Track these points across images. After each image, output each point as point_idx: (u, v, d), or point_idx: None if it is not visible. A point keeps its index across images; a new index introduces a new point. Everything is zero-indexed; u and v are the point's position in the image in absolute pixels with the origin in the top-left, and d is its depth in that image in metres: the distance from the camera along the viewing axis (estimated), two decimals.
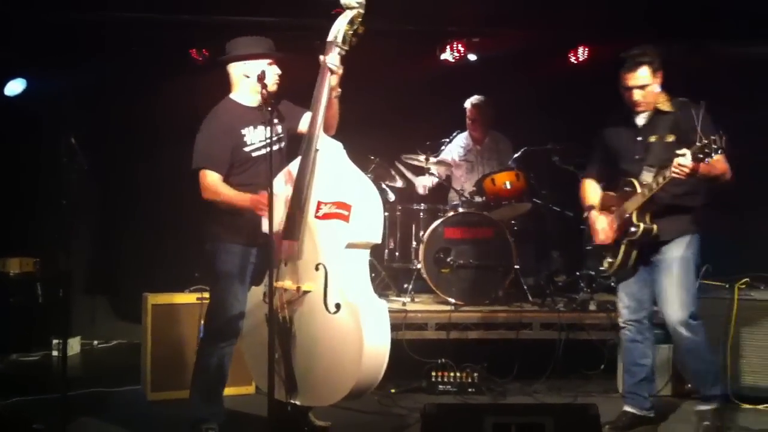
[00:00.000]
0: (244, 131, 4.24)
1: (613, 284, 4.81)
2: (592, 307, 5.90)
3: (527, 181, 6.23)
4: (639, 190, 4.36)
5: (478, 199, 6.27)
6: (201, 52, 6.80)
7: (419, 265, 5.98)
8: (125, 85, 6.76)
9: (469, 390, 5.31)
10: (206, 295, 5.19)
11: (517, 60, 7.16)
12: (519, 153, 6.46)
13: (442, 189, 6.86)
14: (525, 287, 6.00)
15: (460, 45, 7.14)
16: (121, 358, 6.51)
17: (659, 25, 6.38)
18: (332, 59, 4.12)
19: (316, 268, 4.05)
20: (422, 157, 6.33)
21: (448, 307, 5.77)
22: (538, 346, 5.64)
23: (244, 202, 4.12)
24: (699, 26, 6.44)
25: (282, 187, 4.17)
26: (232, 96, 4.33)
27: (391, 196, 6.53)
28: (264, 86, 4.02)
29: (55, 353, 6.37)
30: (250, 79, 4.23)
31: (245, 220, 4.16)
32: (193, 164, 4.21)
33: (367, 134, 6.67)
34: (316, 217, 4.10)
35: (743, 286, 5.22)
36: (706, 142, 3.97)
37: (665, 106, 4.41)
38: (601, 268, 4.65)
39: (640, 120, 4.47)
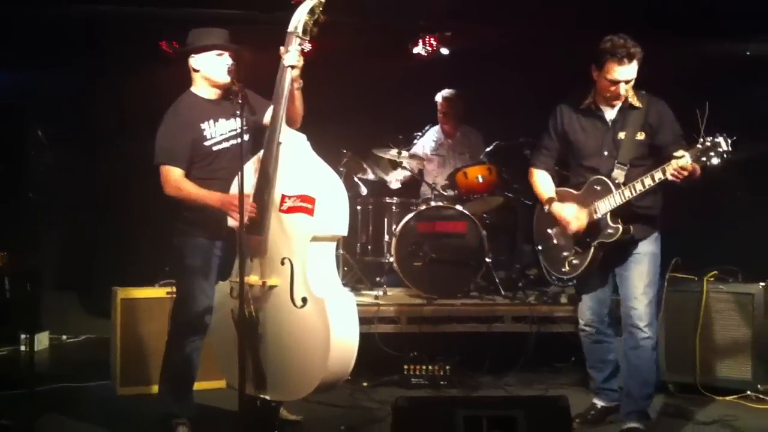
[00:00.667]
0: (203, 125, 4.21)
1: (571, 285, 4.68)
2: (564, 299, 5.94)
3: (499, 175, 6.25)
4: (615, 190, 4.17)
5: (450, 192, 6.29)
6: (171, 44, 6.73)
7: (391, 259, 5.97)
8: (94, 78, 6.66)
9: (442, 383, 5.33)
10: (175, 289, 5.17)
11: (490, 54, 7.18)
12: (491, 147, 6.48)
13: (414, 183, 6.86)
14: (497, 280, 6.02)
15: (432, 39, 7.15)
16: (90, 352, 6.44)
17: (631, 21, 6.42)
18: (292, 53, 4.07)
19: (282, 263, 4.03)
20: (394, 151, 6.33)
21: (420, 301, 5.78)
22: (509, 339, 5.67)
23: (214, 202, 4.10)
24: (669, 21, 6.48)
25: (246, 181, 4.13)
26: (192, 89, 4.30)
27: (364, 190, 6.52)
28: (232, 81, 3.97)
29: (23, 348, 6.29)
30: (200, 72, 4.22)
31: (208, 214, 4.13)
32: (154, 160, 4.18)
33: (340, 127, 6.66)
34: (281, 210, 4.07)
35: (712, 279, 5.27)
36: (709, 144, 3.83)
37: (634, 100, 4.24)
38: (564, 270, 4.45)
39: (609, 114, 4.29)
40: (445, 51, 7.21)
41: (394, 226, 6.15)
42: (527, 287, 6.18)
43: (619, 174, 4.21)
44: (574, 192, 4.43)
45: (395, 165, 6.53)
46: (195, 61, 4.22)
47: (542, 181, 4.58)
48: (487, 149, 6.51)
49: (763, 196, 6.27)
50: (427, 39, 7.16)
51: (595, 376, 4.66)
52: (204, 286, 4.21)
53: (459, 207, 6.04)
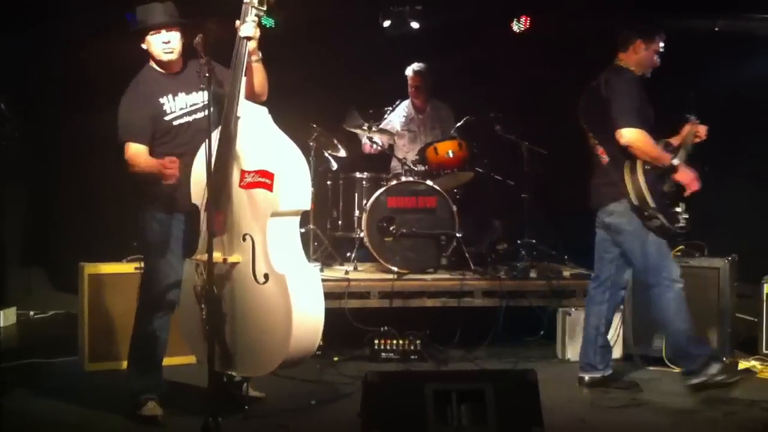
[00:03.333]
0: (162, 100, 4.16)
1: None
2: (533, 274, 5.98)
3: (469, 150, 6.25)
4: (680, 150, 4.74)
5: (420, 167, 6.27)
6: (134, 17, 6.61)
7: (362, 234, 5.96)
8: (56, 48, 6.53)
9: (412, 357, 5.35)
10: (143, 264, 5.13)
11: (460, 28, 7.15)
12: (461, 122, 6.48)
13: (384, 158, 6.84)
14: (467, 255, 6.04)
15: (402, 12, 7.08)
16: (57, 328, 6.38)
17: None
18: (248, 24, 4.01)
19: (243, 239, 4.01)
20: (365, 126, 6.30)
21: (391, 276, 5.78)
22: (479, 313, 5.70)
23: (154, 168, 4.05)
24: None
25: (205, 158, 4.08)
26: (150, 63, 4.25)
27: (334, 165, 6.49)
28: (200, 54, 3.90)
29: None
30: (148, 48, 4.17)
31: (165, 187, 4.08)
32: (118, 138, 4.14)
33: (309, 103, 6.61)
34: (240, 186, 4.03)
35: (678, 254, 5.32)
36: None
37: None
38: (678, 225, 4.62)
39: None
40: (415, 25, 7.16)
41: (364, 201, 6.13)
42: (497, 262, 6.21)
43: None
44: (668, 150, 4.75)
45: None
46: (145, 41, 4.17)
47: (653, 141, 4.65)
48: (458, 124, 6.51)
49: (727, 171, 6.33)
50: (397, 12, 7.08)
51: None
52: (170, 260, 4.19)
53: (429, 182, 6.03)
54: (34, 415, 4.30)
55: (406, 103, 6.94)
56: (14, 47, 6.40)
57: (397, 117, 6.89)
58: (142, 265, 4.70)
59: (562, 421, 4.14)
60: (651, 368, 5.26)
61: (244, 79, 4.07)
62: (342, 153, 6.46)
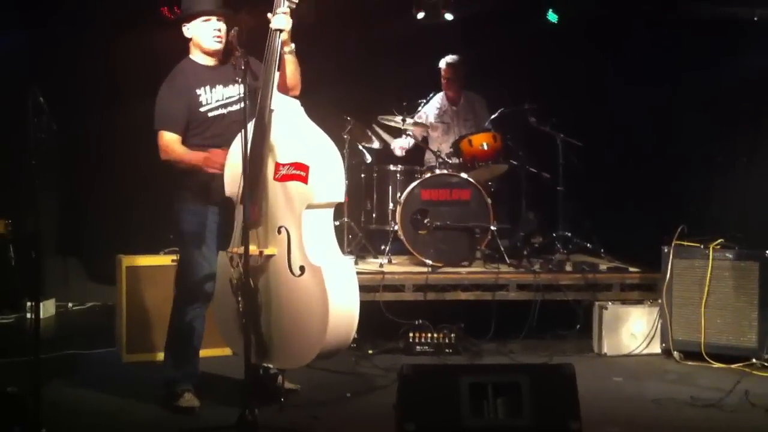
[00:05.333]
0: (199, 91, 4.19)
1: None
2: (568, 267, 5.93)
3: (504, 142, 6.21)
4: None
5: (454, 160, 6.24)
6: (172, 9, 6.65)
7: (396, 227, 5.95)
8: (93, 41, 6.59)
9: (446, 350, 5.33)
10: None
11: (494, 19, 7.10)
12: (496, 114, 6.44)
13: (418, 150, 6.82)
14: (501, 248, 6.00)
15: (436, 4, 7.03)
16: (95, 320, 6.46)
17: None
18: (280, 16, 4.01)
19: (279, 232, 4.02)
20: (398, 118, 6.28)
21: (425, 269, 5.77)
22: (514, 306, 5.66)
23: (198, 161, 4.08)
24: None
25: (239, 149, 4.09)
26: (190, 56, 4.29)
27: (368, 158, 6.48)
28: (234, 47, 3.92)
29: (29, 315, 6.31)
30: (192, 39, 4.22)
31: (199, 179, 4.12)
32: (153, 126, 4.20)
33: (343, 95, 6.61)
34: (275, 179, 4.04)
35: (718, 247, 5.24)
36: None
37: None
38: None
39: None
40: (449, 16, 7.11)
41: (398, 194, 6.12)
42: (532, 255, 6.16)
43: None
44: None
45: (399, 132, 6.48)
46: (187, 29, 4.21)
47: None
48: (492, 116, 6.47)
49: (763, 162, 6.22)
50: (431, 4, 7.04)
51: None
52: (204, 252, 4.22)
53: (464, 174, 6.00)
54: (72, 405, 4.35)
55: (440, 95, 6.91)
56: (50, 40, 6.48)
57: (430, 109, 6.86)
58: (178, 257, 4.74)
59: (597, 416, 4.09)
60: (689, 363, 5.19)
61: (277, 72, 4.08)
62: (376, 145, 6.46)
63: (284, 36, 4.05)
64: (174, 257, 5.14)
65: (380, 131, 6.49)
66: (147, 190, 6.72)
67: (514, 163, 6.35)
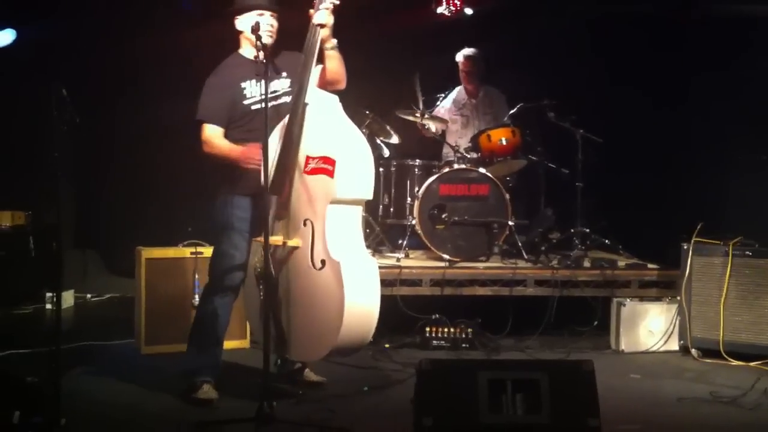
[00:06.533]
0: (244, 84, 4.24)
1: None
2: (586, 264, 5.91)
3: (522, 137, 6.19)
4: None
5: (473, 155, 6.23)
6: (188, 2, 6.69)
7: (414, 221, 5.95)
8: (113, 36, 6.63)
9: (463, 345, 5.33)
10: (200, 249, 5.20)
11: (514, 14, 7.07)
12: (515, 109, 6.41)
13: (436, 144, 6.81)
14: (519, 244, 5.98)
15: None
16: (114, 311, 6.50)
17: None
18: (322, 11, 4.04)
19: (304, 224, 4.04)
20: (417, 113, 6.27)
21: (442, 264, 5.76)
22: (531, 302, 5.65)
23: (236, 155, 4.12)
24: None
25: (276, 141, 4.12)
26: (239, 50, 4.35)
27: (386, 152, 6.48)
28: (258, 37, 3.95)
29: (48, 306, 6.35)
30: (244, 32, 4.25)
31: (241, 171, 4.15)
32: (196, 115, 4.25)
33: (362, 89, 6.57)
34: (305, 172, 4.07)
35: (737, 245, 5.21)
36: None
37: None
38: None
39: None
40: (468, 11, 7.09)
41: (416, 189, 6.11)
42: (550, 251, 6.13)
43: None
44: None
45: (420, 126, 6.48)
46: (239, 22, 4.25)
47: None
48: (511, 111, 6.44)
49: None
50: None
51: None
52: (237, 242, 4.25)
53: (482, 169, 5.99)
54: (91, 396, 4.38)
55: (459, 88, 6.90)
56: (73, 34, 6.51)
57: (449, 103, 6.85)
58: (200, 249, 4.77)
59: (616, 412, 4.06)
60: (707, 360, 5.17)
61: (318, 67, 4.11)
62: (395, 140, 6.45)
63: (325, 32, 4.08)
64: (193, 249, 5.18)
65: (404, 117, 6.43)
66: (165, 183, 6.78)
67: (533, 158, 6.32)
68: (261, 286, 4.09)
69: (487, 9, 7.14)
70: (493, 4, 7.09)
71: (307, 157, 4.07)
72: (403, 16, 7.09)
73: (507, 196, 5.89)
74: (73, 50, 6.63)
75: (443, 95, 6.79)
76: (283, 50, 4.31)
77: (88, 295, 6.94)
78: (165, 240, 5.50)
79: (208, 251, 5.11)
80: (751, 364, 5.02)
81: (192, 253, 5.19)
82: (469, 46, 6.82)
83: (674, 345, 5.38)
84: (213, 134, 4.21)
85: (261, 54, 3.93)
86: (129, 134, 6.89)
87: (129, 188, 7.08)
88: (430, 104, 6.55)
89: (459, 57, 6.83)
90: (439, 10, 7.07)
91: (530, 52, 7.09)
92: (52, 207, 3.90)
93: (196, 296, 5.10)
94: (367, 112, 6.12)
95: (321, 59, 4.16)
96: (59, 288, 4.62)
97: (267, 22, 4.18)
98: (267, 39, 4.16)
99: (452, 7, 7.03)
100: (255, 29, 3.97)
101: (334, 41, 4.15)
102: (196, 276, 5.17)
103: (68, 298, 6.64)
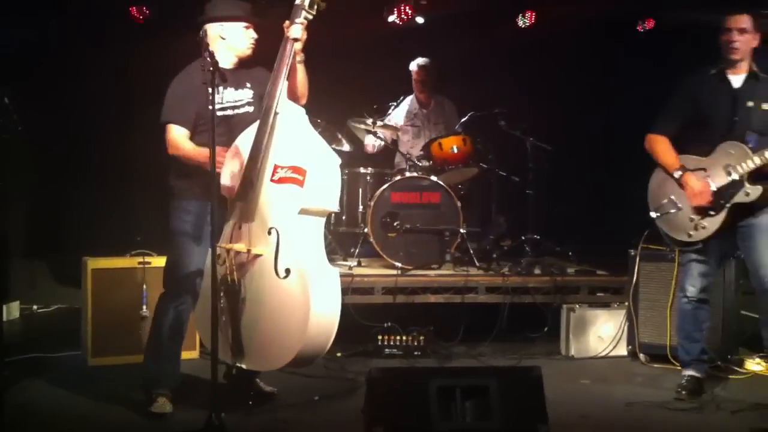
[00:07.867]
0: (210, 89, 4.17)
1: (691, 251, 4.59)
2: (537, 270, 5.96)
3: (474, 145, 6.23)
4: (751, 154, 4.28)
5: (424, 163, 6.26)
6: (142, 10, 6.61)
7: (366, 230, 5.95)
8: (64, 42, 6.52)
9: (415, 353, 5.34)
10: (149, 259, 5.13)
11: (465, 23, 7.12)
12: (466, 117, 6.46)
13: (388, 153, 6.82)
14: (471, 251, 6.02)
15: (407, 7, 7.04)
16: (61, 323, 6.36)
17: None
18: (297, 26, 4.09)
19: (269, 232, 4.02)
20: (369, 121, 6.28)
21: (394, 272, 5.77)
22: (483, 309, 5.69)
23: (203, 158, 4.07)
24: None
25: (243, 149, 4.12)
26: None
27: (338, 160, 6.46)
28: (205, 49, 3.92)
29: None
30: (225, 41, 4.25)
31: (202, 176, 4.10)
32: (160, 118, 4.21)
33: (314, 97, 6.56)
34: (272, 180, 4.06)
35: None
36: None
37: (758, 71, 4.41)
38: (691, 234, 4.47)
39: (736, 82, 4.44)
40: (420, 20, 7.12)
41: (368, 197, 6.12)
42: (501, 258, 6.19)
43: (751, 140, 4.35)
44: (701, 158, 4.49)
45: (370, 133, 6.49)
46: (223, 29, 4.23)
47: (666, 148, 4.62)
48: (462, 120, 6.49)
49: None
50: (402, 8, 7.05)
51: (689, 346, 4.68)
52: (193, 249, 4.20)
53: (434, 177, 6.02)
54: (37, 408, 4.30)
55: (411, 97, 6.93)
56: (21, 40, 6.38)
57: (401, 112, 6.87)
58: (147, 259, 4.70)
59: (566, 418, 4.11)
60: (655, 365, 5.25)
61: (286, 81, 4.13)
62: (346, 147, 6.45)
63: (298, 46, 4.11)
64: (141, 259, 5.11)
65: (354, 126, 6.44)
66: (114, 192, 6.68)
67: (484, 166, 6.37)
68: (221, 294, 4.04)
69: (438, 18, 7.19)
70: (444, 13, 7.12)
71: (276, 166, 4.06)
72: (355, 24, 7.10)
73: (459, 203, 5.93)
74: (23, 54, 6.50)
75: (395, 104, 6.81)
76: (258, 66, 4.34)
77: (35, 306, 6.80)
78: (115, 250, 5.41)
79: (156, 261, 5.05)
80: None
81: (140, 263, 5.12)
82: (422, 55, 6.85)
83: (623, 350, 5.46)
84: (178, 135, 4.18)
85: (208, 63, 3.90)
86: (80, 143, 6.77)
87: (78, 197, 6.95)
88: (382, 112, 6.56)
89: (413, 66, 6.87)
90: (390, 18, 7.09)
91: (481, 61, 7.16)
92: None
93: (144, 307, 5.04)
94: (319, 120, 6.10)
95: (289, 73, 4.17)
96: (3, 299, 4.52)
97: (251, 35, 4.25)
98: (249, 51, 4.25)
99: (403, 16, 7.06)
100: (205, 47, 3.92)
101: (303, 56, 4.18)
102: (144, 286, 5.10)
103: (13, 309, 6.50)
